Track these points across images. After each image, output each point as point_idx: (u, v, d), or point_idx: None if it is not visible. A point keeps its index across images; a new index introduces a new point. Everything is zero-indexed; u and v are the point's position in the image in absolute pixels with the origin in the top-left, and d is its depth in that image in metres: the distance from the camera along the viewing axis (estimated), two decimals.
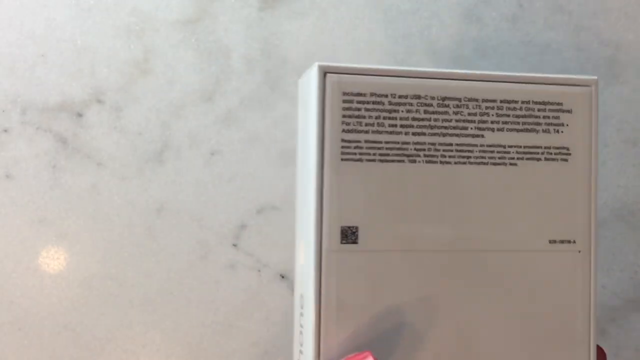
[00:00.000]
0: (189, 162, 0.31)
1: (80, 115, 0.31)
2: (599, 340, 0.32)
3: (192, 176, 0.31)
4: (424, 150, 0.20)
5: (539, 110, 0.21)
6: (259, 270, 0.31)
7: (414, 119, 0.20)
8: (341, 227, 0.20)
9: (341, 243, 0.20)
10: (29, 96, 0.31)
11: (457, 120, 0.21)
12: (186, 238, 0.31)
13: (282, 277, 0.31)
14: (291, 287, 0.31)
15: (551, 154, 0.21)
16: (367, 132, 0.20)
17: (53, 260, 0.31)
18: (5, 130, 0.31)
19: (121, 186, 0.31)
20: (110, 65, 0.31)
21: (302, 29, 0.32)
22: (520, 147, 0.21)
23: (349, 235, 0.20)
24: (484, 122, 0.21)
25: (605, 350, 0.23)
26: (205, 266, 0.31)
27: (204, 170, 0.31)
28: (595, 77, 0.22)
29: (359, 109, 0.20)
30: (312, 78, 0.20)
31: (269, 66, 0.31)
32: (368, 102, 0.20)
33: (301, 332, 0.21)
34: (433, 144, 0.20)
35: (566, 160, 0.21)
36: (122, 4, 0.31)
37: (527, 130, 0.21)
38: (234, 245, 0.31)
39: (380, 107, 0.20)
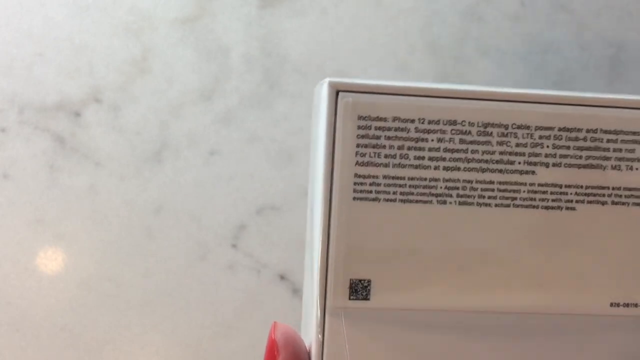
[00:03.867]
0: (187, 161, 0.31)
1: (78, 114, 0.31)
2: None
3: (191, 176, 0.31)
4: (458, 189, 0.16)
5: (608, 141, 0.16)
6: (259, 271, 0.31)
7: (446, 150, 0.16)
8: (350, 279, 0.16)
9: (349, 299, 0.16)
10: (26, 95, 0.31)
11: (501, 153, 0.16)
12: (185, 238, 0.31)
13: (282, 277, 0.31)
14: (291, 288, 0.31)
15: (620, 196, 0.17)
16: (386, 165, 0.16)
17: (51, 260, 0.31)
18: (3, 130, 0.30)
19: (119, 186, 0.31)
20: (109, 64, 0.31)
21: (302, 28, 0.31)
22: (582, 187, 0.17)
23: (359, 289, 0.16)
24: (537, 155, 0.16)
25: None
26: (204, 267, 0.31)
27: (203, 170, 0.31)
28: None
29: (377, 137, 0.16)
30: (321, 97, 0.16)
31: (268, 65, 0.31)
32: (390, 129, 0.16)
33: None
34: (469, 181, 0.16)
35: (638, 205, 0.17)
36: (120, 2, 0.31)
37: (591, 166, 0.17)
38: (233, 245, 0.31)
39: (404, 134, 0.16)
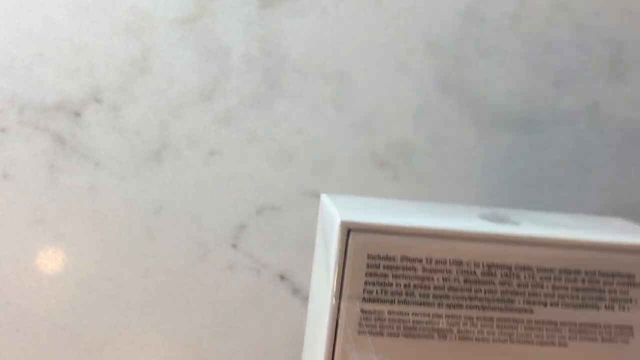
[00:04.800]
0: (187, 162, 0.31)
1: (78, 114, 0.31)
2: None
3: (191, 176, 0.31)
4: (458, 325, 0.17)
5: (604, 282, 0.17)
6: (259, 271, 0.31)
7: (451, 288, 0.17)
8: None
9: None
10: (26, 95, 0.31)
11: (503, 292, 0.17)
12: (185, 238, 0.31)
13: (282, 277, 0.31)
14: (291, 288, 0.31)
15: (610, 333, 0.18)
16: (392, 302, 0.17)
17: (51, 261, 0.31)
18: (3, 130, 0.30)
19: (119, 186, 0.31)
20: (109, 64, 0.31)
21: (302, 28, 0.31)
22: (575, 325, 0.17)
23: None
24: (536, 294, 0.17)
25: None
26: (204, 267, 0.31)
27: (203, 170, 0.31)
28: None
29: (385, 275, 0.17)
30: (333, 236, 0.17)
31: (268, 65, 0.31)
32: (397, 268, 0.17)
33: None
34: (470, 317, 0.17)
35: (627, 342, 0.18)
36: (120, 2, 0.31)
37: (586, 306, 0.17)
38: (233, 245, 0.31)
39: (411, 273, 0.17)
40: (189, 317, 0.31)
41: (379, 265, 0.17)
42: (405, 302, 0.17)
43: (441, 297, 0.17)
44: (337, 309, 0.17)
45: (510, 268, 0.17)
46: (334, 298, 0.17)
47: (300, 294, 0.31)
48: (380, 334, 0.17)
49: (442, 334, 0.17)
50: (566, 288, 0.17)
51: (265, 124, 0.31)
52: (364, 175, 0.31)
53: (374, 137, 0.31)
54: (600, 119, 0.32)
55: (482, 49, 0.32)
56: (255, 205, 0.31)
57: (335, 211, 0.17)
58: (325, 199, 0.20)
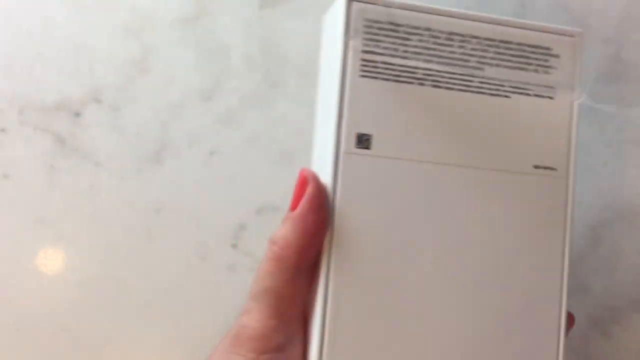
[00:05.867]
0: (188, 162, 0.31)
1: (78, 114, 0.31)
2: (602, 342, 0.32)
3: (191, 176, 0.31)
4: (431, 76, 0.23)
5: (531, 52, 0.24)
6: None
7: (424, 47, 0.23)
8: (357, 133, 0.22)
9: (356, 147, 0.22)
10: (26, 95, 0.31)
11: (461, 54, 0.23)
12: (185, 238, 0.31)
13: None
14: None
15: (540, 90, 0.24)
16: (383, 54, 0.23)
17: (51, 261, 0.31)
18: (3, 130, 0.30)
19: (120, 186, 0.31)
20: (109, 64, 0.31)
21: (302, 28, 0.31)
22: (513, 82, 0.24)
23: (363, 141, 0.22)
24: (484, 57, 0.24)
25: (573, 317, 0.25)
26: (205, 267, 0.31)
27: (203, 170, 0.31)
28: (581, 30, 0.25)
29: (377, 34, 0.23)
30: (339, 5, 0.23)
31: (268, 65, 0.31)
32: (386, 29, 0.23)
33: None
34: (439, 71, 0.23)
35: (552, 97, 0.24)
36: (120, 2, 0.31)
37: (519, 68, 0.24)
38: (234, 245, 0.31)
39: (395, 34, 0.23)
40: (189, 317, 0.31)
41: (373, 27, 0.23)
42: (392, 55, 0.23)
43: (418, 54, 0.23)
44: (345, 57, 0.22)
45: (464, 36, 0.23)
46: (343, 50, 0.22)
47: None
48: (376, 77, 0.23)
49: (420, 82, 0.23)
50: (505, 54, 0.24)
51: (265, 124, 0.31)
52: None
53: None
54: (582, 68, 0.32)
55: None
56: (255, 205, 0.31)
57: None
58: (325, 15, 0.26)
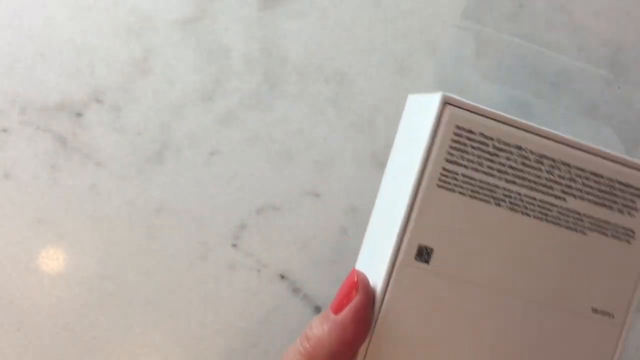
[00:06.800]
0: (188, 162, 0.31)
1: (79, 115, 0.31)
2: None
3: (191, 176, 0.31)
4: (510, 197, 0.22)
5: (620, 190, 0.22)
6: (259, 271, 0.31)
7: (510, 167, 0.22)
8: (419, 245, 0.21)
9: (415, 259, 0.21)
10: (28, 96, 0.31)
11: (547, 179, 0.22)
12: (186, 238, 0.31)
13: (282, 277, 0.31)
14: (291, 288, 0.31)
15: (618, 232, 0.22)
16: (466, 167, 0.21)
17: (52, 260, 0.31)
18: (4, 130, 0.31)
19: (120, 186, 0.31)
20: (110, 64, 0.31)
21: (302, 29, 0.32)
22: (594, 218, 0.22)
23: (423, 254, 0.21)
24: (570, 187, 0.22)
25: None
26: (205, 266, 0.31)
27: (204, 170, 0.31)
28: None
29: (465, 145, 0.21)
30: (432, 104, 0.21)
31: (268, 66, 0.31)
32: (475, 141, 0.21)
33: None
34: (520, 194, 0.22)
35: (629, 242, 0.23)
36: (121, 3, 0.31)
37: (604, 205, 0.22)
38: (234, 245, 0.31)
39: (484, 147, 0.21)
40: (190, 316, 0.31)
41: (462, 136, 0.21)
42: (475, 170, 0.21)
43: (502, 172, 0.21)
44: (425, 162, 0.21)
45: (554, 160, 0.22)
46: (424, 154, 0.21)
47: (300, 293, 0.31)
48: (452, 190, 0.21)
49: (497, 201, 0.21)
50: (592, 187, 0.22)
51: (266, 124, 0.31)
52: (363, 175, 0.31)
53: (374, 137, 0.31)
54: (599, 119, 0.32)
55: (480, 50, 0.32)
56: (256, 205, 0.31)
57: (434, 93, 0.21)
58: (414, 96, 0.24)
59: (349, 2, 0.32)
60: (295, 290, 0.31)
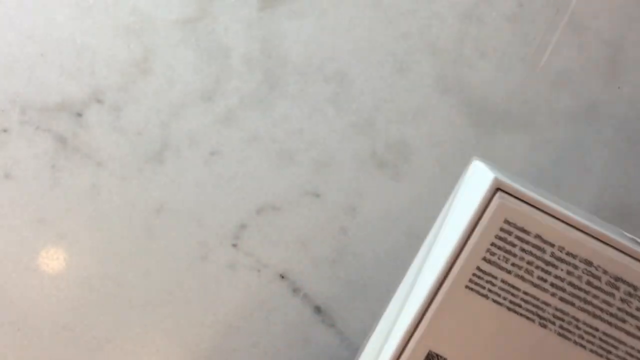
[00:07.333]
0: (188, 162, 0.31)
1: (79, 115, 0.31)
2: None
3: (191, 176, 0.31)
4: (563, 320, 0.17)
5: None
6: (259, 271, 0.31)
7: (570, 284, 0.17)
8: (429, 351, 0.17)
9: None
10: (28, 96, 0.31)
11: (619, 309, 0.17)
12: (186, 238, 0.31)
13: (282, 277, 0.31)
14: (291, 288, 0.31)
15: None
16: (509, 272, 0.17)
17: (52, 260, 0.31)
18: (5, 130, 0.31)
19: (121, 186, 0.31)
20: (110, 64, 0.31)
21: (302, 29, 0.32)
22: None
23: None
24: None
25: None
26: (205, 266, 0.31)
27: (204, 170, 0.31)
28: None
29: (513, 245, 0.17)
30: (481, 186, 0.17)
31: (269, 66, 0.31)
32: (528, 243, 0.17)
33: None
34: (577, 319, 0.17)
35: None
36: (121, 3, 0.31)
37: None
38: (234, 245, 0.31)
39: (539, 254, 0.17)
40: (190, 316, 0.31)
41: (511, 234, 0.17)
42: (522, 278, 0.17)
43: (558, 288, 0.17)
44: (457, 256, 0.17)
45: (635, 288, 0.17)
46: (457, 245, 0.17)
47: (300, 293, 0.31)
48: (486, 296, 0.17)
49: (544, 323, 0.17)
50: None
51: (266, 124, 0.31)
52: (364, 175, 0.31)
53: (374, 137, 0.31)
54: (599, 120, 0.32)
55: (480, 50, 0.32)
56: (256, 205, 0.31)
57: (490, 172, 0.17)
58: (479, 163, 0.20)
59: (349, 2, 0.32)
60: (295, 290, 0.31)
